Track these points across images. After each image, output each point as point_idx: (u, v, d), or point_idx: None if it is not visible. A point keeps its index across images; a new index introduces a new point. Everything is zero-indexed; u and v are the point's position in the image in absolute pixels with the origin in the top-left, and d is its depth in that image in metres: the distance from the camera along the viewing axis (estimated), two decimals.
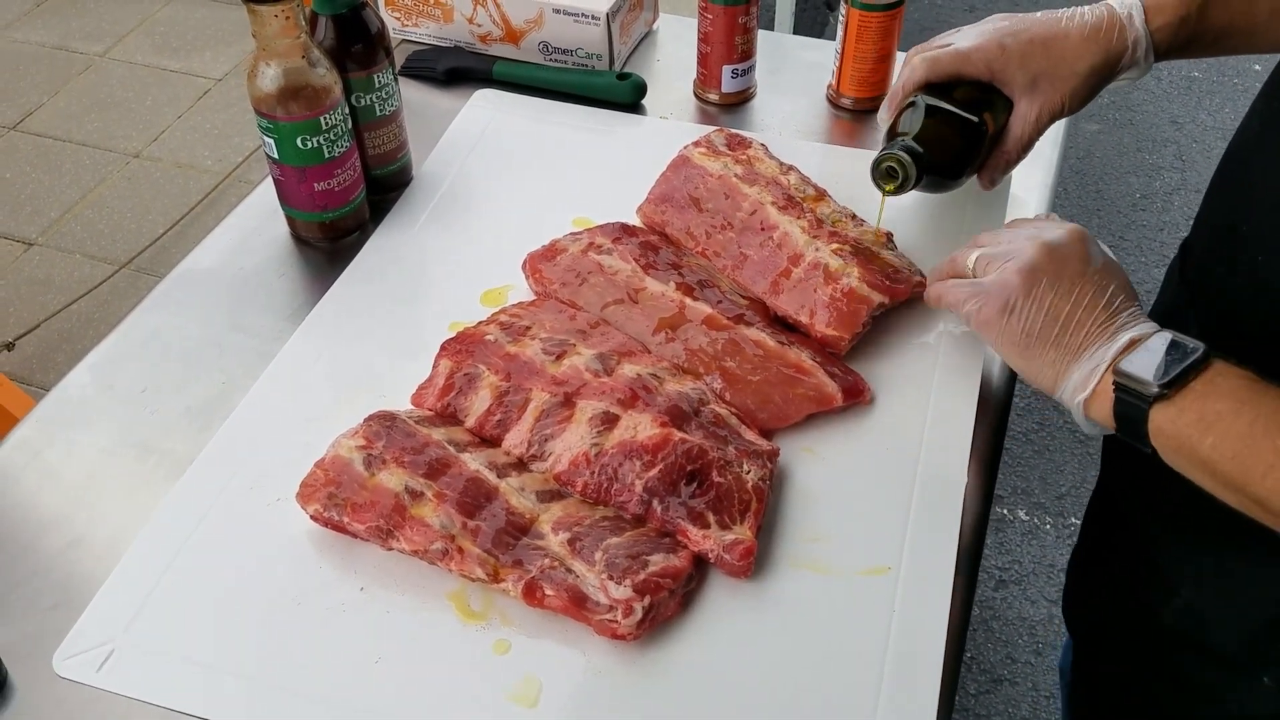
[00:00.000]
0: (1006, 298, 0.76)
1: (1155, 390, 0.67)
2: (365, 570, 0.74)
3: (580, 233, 0.97)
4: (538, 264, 0.94)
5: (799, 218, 0.93)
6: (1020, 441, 2.14)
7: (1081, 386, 0.72)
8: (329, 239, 0.98)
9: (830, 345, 0.87)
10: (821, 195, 0.98)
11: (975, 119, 0.88)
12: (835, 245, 0.90)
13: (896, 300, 0.89)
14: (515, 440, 0.80)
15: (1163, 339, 0.70)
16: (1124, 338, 0.71)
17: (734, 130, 1.04)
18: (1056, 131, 1.11)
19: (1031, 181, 1.05)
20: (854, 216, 0.96)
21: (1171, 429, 0.67)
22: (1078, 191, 2.71)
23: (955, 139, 0.88)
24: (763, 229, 0.93)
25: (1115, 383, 0.69)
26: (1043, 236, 0.77)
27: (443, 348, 0.86)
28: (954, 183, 0.92)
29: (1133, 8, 0.86)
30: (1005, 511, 2.03)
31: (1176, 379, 0.67)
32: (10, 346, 2.15)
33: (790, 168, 1.00)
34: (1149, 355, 0.69)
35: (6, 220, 2.53)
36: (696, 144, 1.01)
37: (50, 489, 0.80)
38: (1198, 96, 2.97)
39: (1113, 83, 0.90)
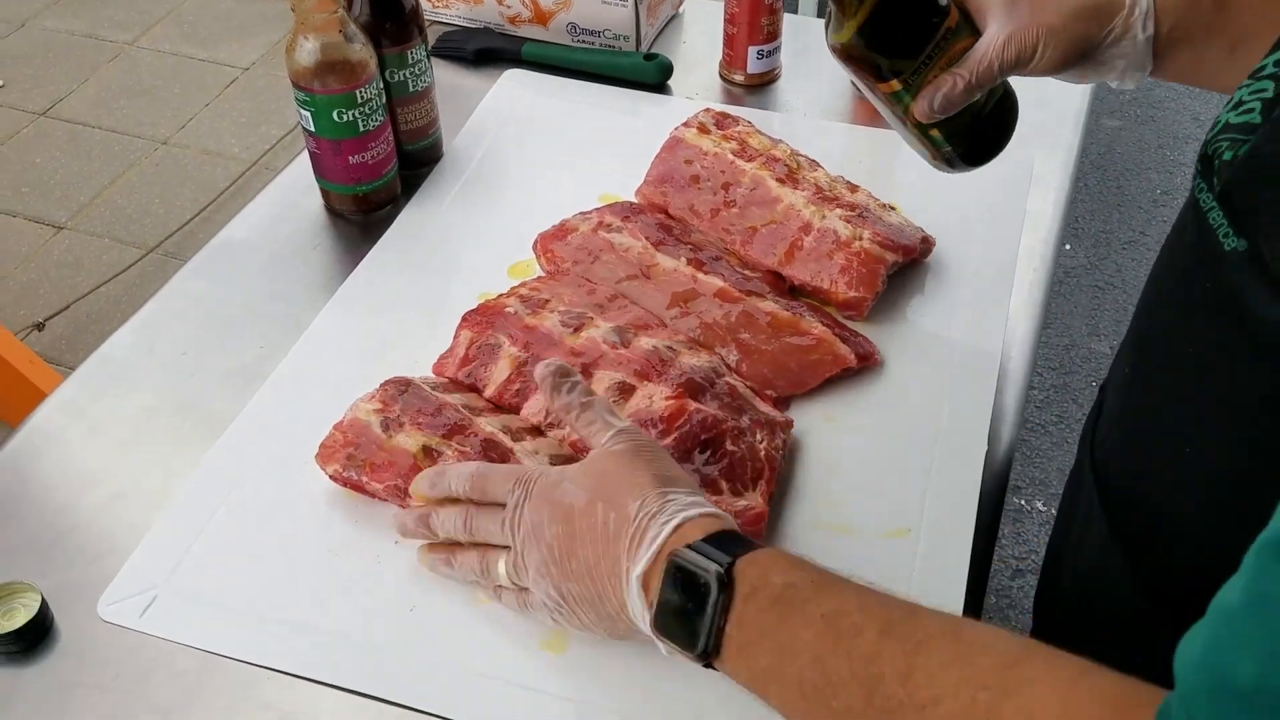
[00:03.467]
0: (554, 601, 0.66)
1: (701, 662, 0.59)
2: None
3: (590, 212, 0.98)
4: (549, 244, 0.96)
5: (800, 188, 0.95)
6: (1039, 433, 2.15)
7: (641, 614, 0.61)
8: (362, 212, 1.01)
9: (853, 308, 0.89)
10: (814, 166, 1.00)
11: (942, 1, 0.77)
12: (841, 212, 0.93)
13: (908, 257, 0.92)
14: (534, 409, 0.82)
15: (673, 591, 0.59)
16: (640, 567, 0.61)
17: (721, 109, 1.06)
18: (1077, 119, 1.13)
19: (1053, 164, 1.07)
20: (850, 184, 0.98)
21: (742, 683, 0.59)
22: (1099, 187, 2.72)
23: (916, 6, 0.77)
24: (766, 201, 0.96)
25: (666, 647, 0.61)
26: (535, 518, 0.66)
27: (464, 319, 0.88)
28: (896, 60, 0.78)
29: None
30: (1023, 502, 2.04)
31: (709, 644, 0.58)
32: (41, 326, 2.19)
33: (778, 141, 1.02)
34: (673, 610, 0.59)
35: (37, 204, 2.57)
36: (687, 124, 1.03)
37: (94, 445, 0.82)
38: (1219, 94, 2.97)
39: (1100, 65, 0.79)
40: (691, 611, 0.58)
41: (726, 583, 0.57)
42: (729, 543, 0.60)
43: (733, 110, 1.06)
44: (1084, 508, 0.75)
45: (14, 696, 0.68)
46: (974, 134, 0.83)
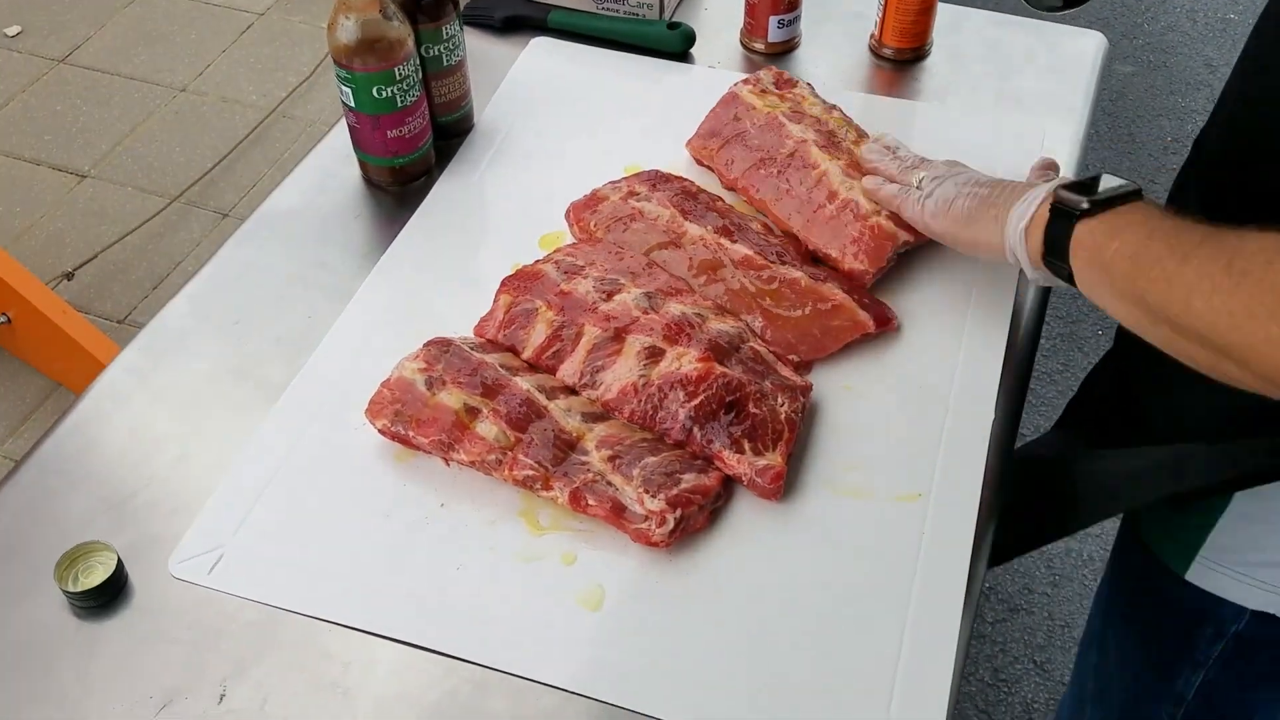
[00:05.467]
0: (947, 196, 0.89)
1: (1085, 206, 0.77)
2: (444, 489, 0.82)
3: (619, 181, 1.03)
4: (581, 212, 1.00)
5: (838, 157, 0.99)
6: (1044, 382, 2.20)
7: (1022, 216, 0.82)
8: (399, 183, 1.05)
9: (856, 278, 0.94)
10: (861, 137, 1.03)
11: None
12: None
13: (920, 240, 0.95)
14: (569, 371, 0.87)
15: (1099, 175, 0.79)
16: (1057, 180, 0.83)
17: (783, 70, 1.09)
18: (1088, 88, 1.16)
19: (1064, 135, 1.10)
20: None
21: (1089, 239, 0.76)
22: (1109, 134, 2.73)
23: None
24: (804, 166, 0.99)
25: (1052, 206, 0.79)
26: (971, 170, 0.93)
27: (503, 284, 0.93)
28: None
29: None
30: None
31: (1104, 200, 0.76)
32: (70, 276, 2.23)
33: (834, 107, 1.06)
34: (1083, 185, 0.79)
35: (60, 152, 2.60)
36: (746, 81, 1.07)
37: (157, 410, 0.87)
38: (1233, 39, 2.97)
39: None
40: (1091, 191, 0.77)
41: (1135, 189, 0.76)
42: None
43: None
44: None
45: (95, 649, 0.74)
46: None
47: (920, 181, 0.93)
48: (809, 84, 1.08)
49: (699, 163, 1.06)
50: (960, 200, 0.88)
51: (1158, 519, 0.90)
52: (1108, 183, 0.77)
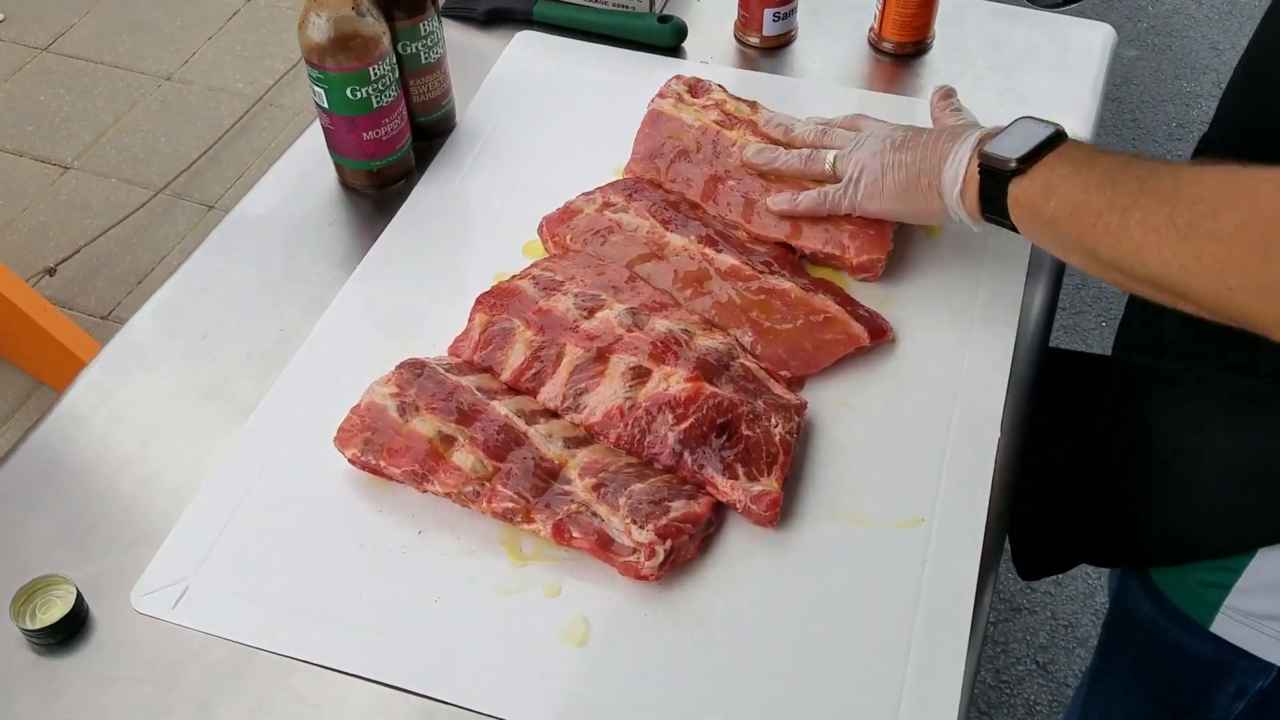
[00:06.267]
0: (873, 175, 0.87)
1: (1013, 166, 0.76)
2: (423, 515, 0.77)
3: (592, 192, 0.98)
4: (554, 227, 0.95)
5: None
6: None
7: (954, 181, 0.81)
8: (376, 187, 1.00)
9: (867, 270, 0.90)
10: (792, 123, 0.99)
11: None
12: None
13: None
14: (551, 394, 0.82)
15: (1019, 122, 0.78)
16: (976, 134, 0.81)
17: (693, 75, 1.06)
18: (1096, 85, 1.11)
19: (1072, 132, 1.06)
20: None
21: (1025, 197, 0.76)
22: (1113, 120, 2.68)
23: None
24: (762, 174, 0.95)
25: (980, 165, 0.78)
26: (876, 128, 0.91)
27: (478, 301, 0.88)
28: None
29: None
30: None
31: (1031, 154, 0.75)
32: (52, 272, 2.19)
33: (754, 104, 1.02)
34: (1008, 138, 0.78)
35: (43, 143, 2.55)
36: (662, 95, 1.03)
37: (121, 431, 0.83)
38: (1239, 21, 2.92)
39: None
40: (1021, 145, 0.76)
41: (1062, 135, 0.76)
42: None
43: (746, 74, 1.06)
44: None
45: (54, 689, 0.70)
46: None
47: (834, 165, 0.90)
48: (719, 84, 1.04)
49: (655, 185, 1.00)
50: (889, 176, 0.86)
51: (1172, 567, 0.86)
52: (1027, 130, 0.77)
